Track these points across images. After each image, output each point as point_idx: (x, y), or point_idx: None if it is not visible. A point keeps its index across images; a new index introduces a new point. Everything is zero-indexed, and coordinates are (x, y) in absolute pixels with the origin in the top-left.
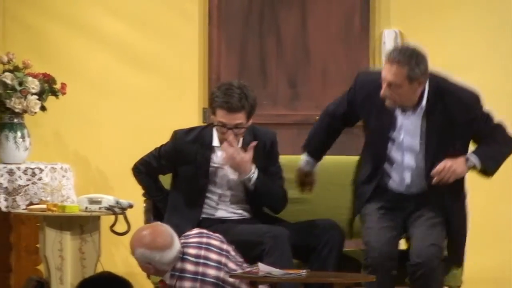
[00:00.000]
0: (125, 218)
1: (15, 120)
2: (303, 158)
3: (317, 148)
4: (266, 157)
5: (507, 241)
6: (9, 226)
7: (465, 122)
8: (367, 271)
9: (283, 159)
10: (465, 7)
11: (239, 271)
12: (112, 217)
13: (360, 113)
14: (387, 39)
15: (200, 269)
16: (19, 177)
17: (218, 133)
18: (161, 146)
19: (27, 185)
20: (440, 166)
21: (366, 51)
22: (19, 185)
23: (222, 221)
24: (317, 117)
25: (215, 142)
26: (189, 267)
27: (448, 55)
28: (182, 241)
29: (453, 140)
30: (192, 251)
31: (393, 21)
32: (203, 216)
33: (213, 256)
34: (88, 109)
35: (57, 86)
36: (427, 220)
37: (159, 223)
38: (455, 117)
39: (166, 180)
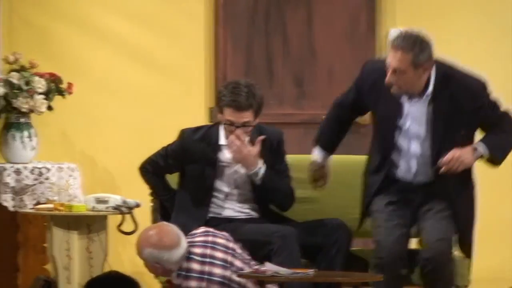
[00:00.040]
0: (132, 218)
1: (22, 120)
2: (315, 152)
3: (328, 140)
4: (273, 156)
5: None
6: (17, 225)
7: (472, 109)
8: (376, 270)
9: (290, 158)
10: (471, 6)
11: (246, 268)
12: (119, 217)
13: (368, 102)
14: None
15: (206, 268)
16: (26, 176)
17: (226, 131)
18: (168, 145)
19: (34, 184)
20: (448, 156)
21: (372, 50)
22: (26, 185)
23: (230, 220)
24: (324, 116)
25: (222, 140)
26: (195, 266)
27: (454, 53)
28: (188, 240)
29: (460, 127)
30: (197, 250)
31: (399, 20)
32: (210, 215)
33: (219, 254)
34: (95, 108)
35: (64, 85)
36: (436, 214)
37: (165, 223)
38: (461, 104)
39: (173, 179)
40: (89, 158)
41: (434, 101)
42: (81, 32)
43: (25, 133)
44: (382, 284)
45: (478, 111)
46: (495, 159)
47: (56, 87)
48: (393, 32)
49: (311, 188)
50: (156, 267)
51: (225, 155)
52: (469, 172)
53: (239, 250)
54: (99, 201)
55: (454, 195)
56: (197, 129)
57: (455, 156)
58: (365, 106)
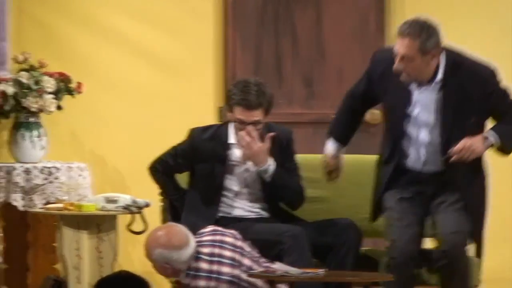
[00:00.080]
0: (142, 217)
1: (31, 119)
2: (328, 144)
3: (341, 131)
4: (282, 155)
5: None
6: (26, 225)
7: (482, 97)
8: (388, 270)
9: (299, 158)
10: (481, 6)
11: (255, 266)
12: (129, 216)
13: (378, 91)
14: None
15: (215, 267)
16: (36, 176)
17: (236, 130)
18: (178, 144)
19: (44, 184)
20: (460, 145)
21: None
22: (36, 184)
23: (239, 219)
24: (333, 116)
25: (232, 139)
26: (204, 265)
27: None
28: (196, 239)
29: (469, 115)
30: (205, 249)
31: None
32: (220, 214)
33: (227, 253)
34: (104, 108)
35: (73, 85)
36: (449, 206)
37: (173, 223)
38: (471, 91)
39: (183, 179)
40: (99, 158)
41: (443, 88)
42: (90, 31)
43: (35, 133)
44: (394, 284)
45: (488, 98)
46: (505, 148)
47: (65, 87)
48: None
49: (325, 181)
50: (165, 267)
51: (235, 153)
52: (479, 160)
53: (247, 248)
54: (109, 200)
55: (464, 185)
56: (207, 128)
57: (467, 145)
58: (376, 95)
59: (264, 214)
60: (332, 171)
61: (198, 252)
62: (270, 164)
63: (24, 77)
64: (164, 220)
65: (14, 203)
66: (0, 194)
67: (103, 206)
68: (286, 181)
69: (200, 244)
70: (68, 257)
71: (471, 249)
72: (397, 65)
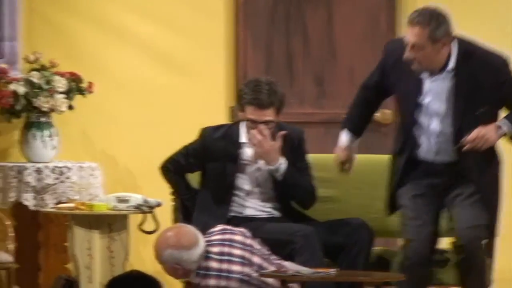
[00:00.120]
0: (154, 217)
1: (43, 119)
2: (342, 135)
3: (354, 123)
4: (294, 154)
5: None
6: (38, 224)
7: (493, 85)
8: (401, 270)
9: (311, 157)
10: (491, 6)
11: (265, 264)
12: (141, 216)
13: (390, 81)
14: None
15: (225, 266)
16: (47, 175)
17: (247, 129)
18: (189, 144)
19: (55, 184)
20: (473, 134)
21: None
22: (47, 184)
23: (251, 219)
24: (344, 116)
25: (243, 138)
26: (213, 264)
27: None
28: (206, 239)
29: (481, 104)
30: (215, 249)
31: None
32: (232, 214)
33: (237, 252)
34: (116, 108)
35: (84, 85)
36: (464, 200)
37: (181, 224)
38: (483, 80)
39: (195, 179)
40: (110, 157)
41: (455, 77)
42: (101, 31)
43: (46, 133)
44: (407, 284)
45: (500, 88)
46: None
47: (76, 86)
48: None
49: (338, 175)
50: (176, 268)
51: (246, 153)
52: (492, 150)
53: (257, 246)
54: (120, 200)
55: (477, 175)
56: (218, 127)
57: (480, 134)
58: (389, 86)
59: (276, 213)
60: (344, 162)
61: (207, 252)
62: (282, 163)
63: (35, 77)
64: (176, 220)
65: (26, 203)
66: (12, 193)
67: (115, 206)
68: (297, 180)
69: (209, 243)
70: (79, 256)
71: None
72: (407, 53)
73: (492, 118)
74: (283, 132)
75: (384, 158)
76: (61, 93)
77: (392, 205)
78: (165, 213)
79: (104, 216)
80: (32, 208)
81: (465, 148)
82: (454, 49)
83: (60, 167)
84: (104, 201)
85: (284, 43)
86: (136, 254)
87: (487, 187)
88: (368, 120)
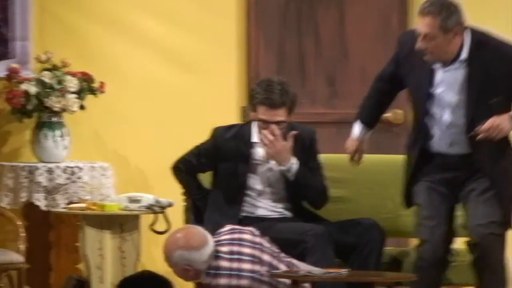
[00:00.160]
0: (165, 217)
1: (54, 119)
2: (354, 126)
3: (367, 114)
4: (305, 154)
5: None
6: (49, 225)
7: (506, 76)
8: (416, 269)
9: (322, 157)
10: (503, 5)
11: (275, 262)
12: (152, 216)
13: (403, 72)
14: None
15: (235, 264)
16: (59, 176)
17: (259, 129)
18: (201, 144)
19: (67, 184)
20: (488, 124)
21: None
22: (59, 184)
23: (263, 219)
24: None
25: (255, 138)
26: (224, 263)
27: None
28: (215, 239)
29: (494, 94)
30: (224, 248)
31: None
32: (244, 214)
33: (246, 250)
34: (127, 107)
35: (96, 84)
36: (478, 196)
37: (189, 225)
38: (495, 70)
39: (206, 179)
40: (122, 157)
41: (468, 67)
42: (113, 31)
43: (57, 132)
44: (421, 285)
45: None
46: None
47: (88, 86)
48: None
49: (349, 163)
50: (186, 270)
51: (258, 152)
52: (506, 140)
53: (266, 244)
54: (132, 200)
55: (491, 166)
56: (230, 127)
57: (494, 124)
58: (402, 77)
59: (287, 213)
60: (354, 153)
61: (217, 251)
62: (294, 163)
63: (46, 77)
64: (187, 220)
65: (37, 203)
66: (23, 194)
67: (126, 206)
68: (309, 180)
69: (218, 243)
70: (90, 257)
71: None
72: (419, 44)
73: (506, 108)
74: (294, 132)
75: (396, 158)
76: (72, 93)
77: (409, 199)
78: (177, 213)
79: (115, 216)
80: (43, 208)
81: (479, 137)
82: (467, 39)
83: (72, 167)
84: (115, 201)
85: (296, 43)
86: (147, 254)
87: (501, 178)
88: (381, 112)
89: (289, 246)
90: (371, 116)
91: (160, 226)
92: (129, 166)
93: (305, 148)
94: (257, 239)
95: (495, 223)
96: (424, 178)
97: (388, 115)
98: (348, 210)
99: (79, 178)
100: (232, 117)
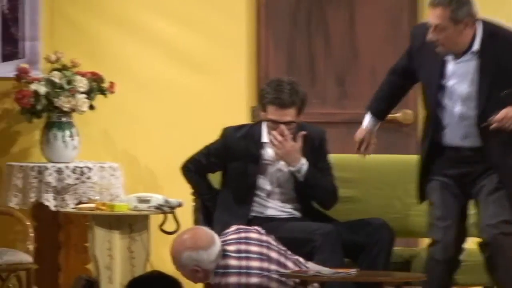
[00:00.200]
0: (174, 217)
1: (64, 119)
2: (365, 118)
3: (378, 106)
4: (315, 155)
5: None
6: (58, 225)
7: None
8: (427, 269)
9: (332, 157)
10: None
11: (283, 259)
12: (161, 216)
13: (416, 65)
14: None
15: (243, 263)
16: (68, 176)
17: (268, 129)
18: (211, 144)
19: (76, 184)
20: (502, 114)
21: None
22: (68, 184)
23: (272, 219)
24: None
25: (265, 138)
26: (232, 262)
27: None
28: (221, 239)
29: (506, 86)
30: (232, 247)
31: None
32: (253, 214)
33: (254, 248)
34: (137, 108)
35: (106, 85)
36: (489, 195)
37: (195, 226)
38: (507, 62)
39: (216, 179)
40: (131, 158)
41: (480, 58)
42: (123, 31)
43: (67, 133)
44: (431, 285)
45: None
46: None
47: (98, 86)
48: None
49: (358, 154)
50: (195, 271)
51: (268, 152)
52: None
53: (273, 242)
54: (141, 200)
55: (502, 159)
56: (240, 127)
57: (509, 114)
58: (415, 70)
59: (297, 214)
60: (361, 143)
61: (224, 250)
62: (303, 164)
63: (56, 77)
64: (196, 220)
65: (46, 203)
66: (32, 194)
67: (136, 206)
68: (319, 181)
69: (225, 243)
70: (100, 257)
71: None
72: (430, 35)
73: None
74: (303, 132)
75: (405, 159)
76: (82, 93)
77: (422, 193)
78: (186, 213)
79: (125, 216)
80: (52, 208)
81: (492, 126)
82: (479, 30)
83: (81, 167)
84: (125, 201)
85: (306, 44)
86: (156, 254)
87: (511, 174)
88: (391, 105)
89: (298, 245)
90: (381, 108)
91: (170, 226)
92: (138, 166)
93: (315, 149)
94: (264, 237)
95: (505, 222)
96: (437, 175)
97: (397, 115)
98: (357, 210)
99: (88, 178)
100: (241, 117)
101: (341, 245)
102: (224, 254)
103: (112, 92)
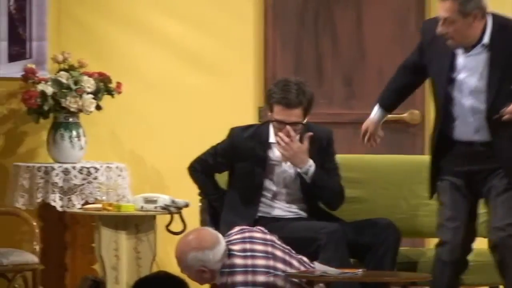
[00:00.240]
0: (181, 218)
1: (71, 119)
2: (373, 109)
3: (387, 98)
4: (322, 155)
5: None
6: (65, 225)
7: None
8: (435, 269)
9: (339, 158)
10: None
11: (287, 257)
12: (168, 217)
13: (426, 59)
14: None
15: (249, 261)
16: (75, 176)
17: (275, 129)
18: (218, 144)
19: (83, 184)
20: None
21: None
22: (75, 185)
23: (278, 220)
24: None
25: (272, 138)
26: (238, 261)
27: None
28: (226, 239)
29: None
30: (237, 247)
31: None
32: (260, 214)
33: (259, 247)
34: (144, 108)
35: (113, 85)
36: (497, 196)
37: (199, 227)
38: None
39: (222, 180)
40: (138, 158)
41: (490, 51)
42: (130, 31)
43: (74, 133)
44: (439, 285)
45: None
46: None
47: (105, 87)
48: None
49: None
50: (202, 271)
51: (275, 153)
52: None
53: (277, 241)
54: (148, 201)
55: (510, 154)
56: (247, 127)
57: None
58: (425, 64)
59: (303, 214)
60: (365, 132)
61: (230, 250)
62: (311, 165)
63: (63, 77)
64: (203, 221)
65: (53, 204)
66: (39, 194)
67: (142, 207)
68: (326, 183)
69: (230, 243)
70: (106, 257)
71: None
72: (440, 28)
73: None
74: (310, 134)
75: (412, 159)
76: (89, 93)
77: (433, 189)
78: (193, 214)
79: (131, 216)
80: (59, 209)
81: (504, 118)
82: (489, 23)
83: (88, 168)
84: (131, 202)
85: (313, 44)
86: (163, 255)
87: None
88: (400, 98)
89: (303, 244)
90: (390, 100)
91: (176, 226)
92: (145, 166)
93: (322, 149)
94: (268, 236)
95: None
96: (448, 174)
97: (404, 115)
98: (363, 210)
99: (95, 178)
100: (249, 118)
101: (346, 244)
102: (229, 253)
103: (119, 93)
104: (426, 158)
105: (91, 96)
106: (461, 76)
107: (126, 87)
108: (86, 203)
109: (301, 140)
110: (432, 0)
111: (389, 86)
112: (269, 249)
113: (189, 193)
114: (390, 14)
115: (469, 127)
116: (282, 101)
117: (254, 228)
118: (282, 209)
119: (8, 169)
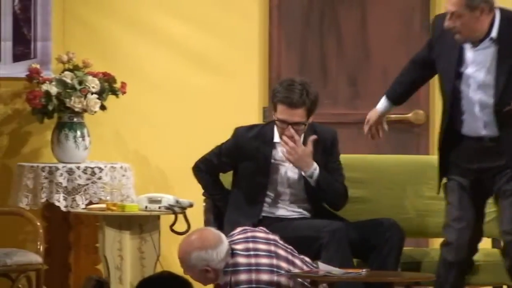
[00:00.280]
0: (185, 218)
1: (75, 119)
2: (380, 101)
3: (395, 91)
4: (326, 155)
5: None
6: (69, 225)
7: None
8: (440, 270)
9: (343, 158)
10: None
11: (290, 257)
12: (172, 217)
13: (435, 53)
14: None
15: (253, 260)
16: (79, 176)
17: (278, 129)
18: (222, 143)
19: (87, 184)
20: None
21: None
22: (79, 185)
23: (282, 219)
24: None
25: (276, 138)
26: (241, 260)
27: None
28: (228, 240)
29: None
30: (240, 246)
31: None
32: (264, 214)
33: (262, 246)
34: (148, 108)
35: (117, 85)
36: (506, 198)
37: (201, 227)
38: None
39: (226, 179)
40: (142, 158)
41: (498, 45)
42: (135, 31)
43: (78, 133)
44: (444, 285)
45: None
46: None
47: (109, 87)
48: None
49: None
50: (205, 271)
51: (279, 153)
52: None
53: (280, 241)
54: (152, 201)
55: None
56: (252, 127)
57: None
58: (434, 59)
59: (307, 214)
60: (368, 121)
61: (233, 249)
62: (315, 168)
63: (68, 77)
64: (207, 221)
65: (57, 204)
66: (43, 194)
67: (146, 207)
68: (330, 184)
69: (233, 243)
70: (110, 257)
71: None
72: (447, 22)
73: None
74: (314, 137)
75: (416, 159)
76: (93, 93)
77: (441, 184)
78: (197, 213)
79: (135, 217)
80: (63, 209)
81: None
82: (497, 18)
83: (92, 168)
84: (135, 202)
85: (318, 44)
86: (167, 255)
87: None
88: (408, 92)
89: (306, 243)
90: (397, 92)
91: (180, 226)
92: (149, 166)
93: (327, 149)
94: (271, 236)
95: None
96: (456, 173)
97: (409, 115)
98: (368, 210)
99: (99, 178)
100: (253, 118)
101: (349, 243)
102: (232, 253)
103: (123, 93)
104: (430, 158)
105: (95, 96)
106: (469, 70)
107: (130, 87)
108: (90, 203)
109: (305, 143)
110: (436, 0)
111: (398, 80)
112: (272, 248)
113: (193, 193)
114: (395, 14)
115: (477, 122)
116: (285, 100)
117: (256, 228)
118: (286, 209)
119: (12, 169)
